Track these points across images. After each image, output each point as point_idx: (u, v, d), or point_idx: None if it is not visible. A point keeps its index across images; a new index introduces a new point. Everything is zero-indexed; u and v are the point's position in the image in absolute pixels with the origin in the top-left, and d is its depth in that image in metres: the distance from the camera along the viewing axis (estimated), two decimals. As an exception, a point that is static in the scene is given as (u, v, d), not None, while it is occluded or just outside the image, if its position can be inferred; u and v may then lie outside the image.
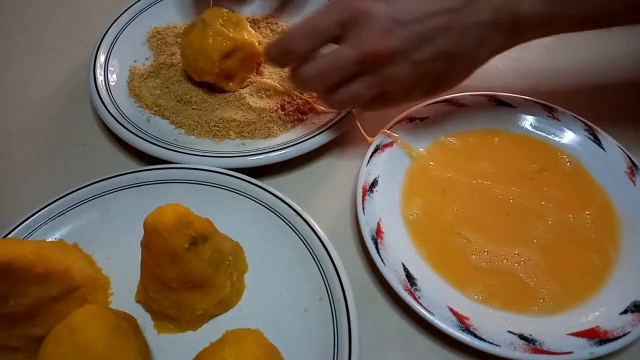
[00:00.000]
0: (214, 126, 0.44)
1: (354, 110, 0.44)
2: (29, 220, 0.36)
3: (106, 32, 0.50)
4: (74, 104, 0.49)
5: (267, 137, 0.44)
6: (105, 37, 0.49)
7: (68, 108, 0.49)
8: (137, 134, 0.42)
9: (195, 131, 0.44)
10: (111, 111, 0.43)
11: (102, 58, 0.48)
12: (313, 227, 0.35)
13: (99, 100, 0.44)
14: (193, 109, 0.46)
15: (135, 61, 0.50)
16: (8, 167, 0.44)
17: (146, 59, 0.51)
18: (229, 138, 0.44)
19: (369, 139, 0.42)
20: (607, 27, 0.38)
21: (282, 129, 0.45)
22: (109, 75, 0.47)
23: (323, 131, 0.43)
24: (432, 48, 0.36)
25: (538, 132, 0.44)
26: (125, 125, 0.42)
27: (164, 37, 0.52)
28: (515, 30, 0.37)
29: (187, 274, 0.31)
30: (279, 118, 0.45)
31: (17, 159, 0.45)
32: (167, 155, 0.40)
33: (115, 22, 0.51)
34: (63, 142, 0.46)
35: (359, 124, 0.43)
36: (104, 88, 0.45)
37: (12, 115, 0.48)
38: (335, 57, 0.37)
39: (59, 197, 0.37)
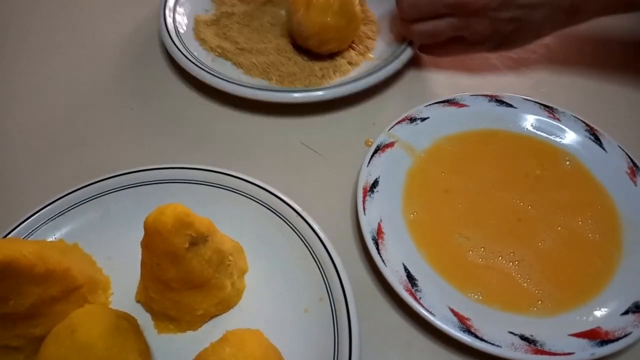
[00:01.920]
0: (266, 68, 0.49)
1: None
2: (29, 220, 0.36)
3: None
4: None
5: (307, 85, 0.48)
6: None
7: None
8: (206, 70, 0.47)
9: (252, 71, 0.49)
10: (182, 51, 0.48)
11: (171, 4, 0.53)
12: (313, 227, 0.35)
13: (171, 43, 0.49)
14: (248, 52, 0.51)
15: (198, 12, 0.55)
16: (8, 167, 0.44)
17: (206, 10, 0.55)
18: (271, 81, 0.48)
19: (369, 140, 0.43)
20: None
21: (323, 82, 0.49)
22: (177, 22, 0.52)
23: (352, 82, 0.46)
24: (510, 12, 0.44)
25: (538, 132, 0.44)
26: (195, 63, 0.47)
27: None
28: (575, 12, 0.44)
29: (187, 274, 0.31)
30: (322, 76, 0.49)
31: (18, 158, 0.45)
32: (229, 88, 0.45)
33: None
34: (64, 142, 0.46)
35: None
36: (174, 32, 0.50)
37: (12, 116, 0.48)
38: None
39: (59, 197, 0.37)
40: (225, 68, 0.49)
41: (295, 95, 0.45)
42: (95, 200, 0.38)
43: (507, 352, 0.31)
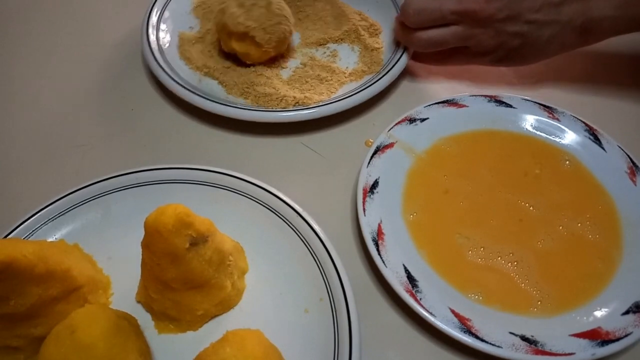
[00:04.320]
0: (246, 89, 0.48)
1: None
2: (29, 221, 0.36)
3: (153, 4, 0.53)
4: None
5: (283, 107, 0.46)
6: (154, 7, 0.53)
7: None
8: (192, 90, 0.45)
9: (233, 90, 0.48)
10: (166, 70, 0.47)
11: (154, 20, 0.52)
12: (314, 227, 0.35)
13: (154, 61, 0.48)
14: (233, 71, 0.50)
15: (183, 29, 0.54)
16: (9, 167, 0.44)
17: (190, 27, 0.54)
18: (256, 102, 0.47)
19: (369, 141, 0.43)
20: None
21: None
22: (161, 39, 0.51)
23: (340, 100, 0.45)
24: (516, 26, 0.43)
25: (538, 132, 0.44)
26: (181, 83, 0.46)
27: (209, 7, 0.56)
28: (586, 32, 0.43)
29: (187, 274, 0.31)
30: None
31: (18, 158, 0.45)
32: (217, 109, 0.44)
33: None
34: (64, 142, 0.46)
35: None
36: (157, 50, 0.49)
37: (13, 115, 0.48)
38: (439, 2, 0.44)
39: (59, 197, 0.37)
40: (212, 87, 0.48)
41: (284, 114, 0.44)
42: (95, 200, 0.38)
43: (507, 353, 0.31)
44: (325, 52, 0.52)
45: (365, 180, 0.39)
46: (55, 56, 0.54)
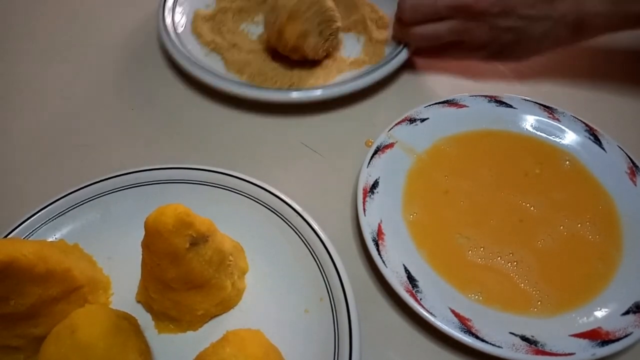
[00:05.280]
0: (243, 66, 0.49)
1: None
2: (29, 220, 0.36)
3: None
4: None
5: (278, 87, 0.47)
6: None
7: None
8: (199, 65, 0.47)
9: (232, 67, 0.49)
10: (179, 46, 0.49)
11: (170, 3, 0.54)
12: (314, 227, 0.35)
13: (168, 38, 0.49)
14: (238, 49, 0.51)
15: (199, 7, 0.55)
16: (9, 167, 0.44)
17: (207, 5, 0.56)
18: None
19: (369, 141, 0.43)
20: None
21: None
22: (176, 18, 0.53)
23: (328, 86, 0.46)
24: (510, 21, 0.44)
25: (538, 132, 0.44)
26: (190, 57, 0.48)
27: None
28: (579, 28, 0.44)
29: (187, 274, 0.31)
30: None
31: (18, 158, 0.45)
32: (217, 84, 0.46)
33: None
34: (64, 141, 0.46)
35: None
36: (173, 30, 0.51)
37: (13, 116, 0.48)
38: None
39: (59, 197, 0.37)
40: (217, 63, 0.50)
41: (285, 95, 0.45)
42: (95, 200, 0.38)
43: (507, 353, 0.31)
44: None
45: (365, 180, 0.39)
46: (56, 56, 0.54)
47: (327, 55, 0.50)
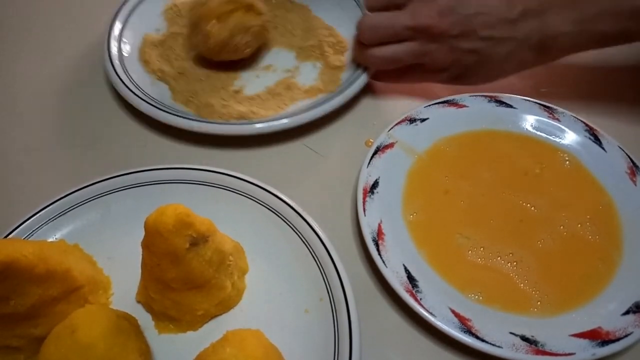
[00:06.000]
0: (190, 98, 0.47)
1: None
2: (29, 221, 0.36)
3: (123, 5, 0.53)
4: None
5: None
6: (122, 9, 0.53)
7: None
8: (139, 95, 0.45)
9: (178, 97, 0.47)
10: (120, 75, 0.47)
11: (117, 29, 0.51)
12: (313, 227, 0.35)
13: (111, 66, 0.47)
14: (185, 77, 0.49)
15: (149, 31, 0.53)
16: (8, 167, 0.44)
17: (157, 29, 0.53)
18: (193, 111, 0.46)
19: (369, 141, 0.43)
20: (629, 42, 0.42)
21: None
22: (122, 45, 0.50)
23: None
24: (471, 43, 0.42)
25: (538, 132, 0.44)
26: (129, 87, 0.45)
27: (180, 10, 0.55)
28: (544, 49, 0.42)
29: (187, 274, 0.31)
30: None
31: (18, 158, 0.45)
32: (159, 116, 0.43)
33: None
34: (64, 141, 0.46)
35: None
36: (117, 57, 0.49)
37: (13, 116, 0.48)
38: (393, 18, 0.43)
39: (59, 197, 0.37)
40: (163, 92, 0.47)
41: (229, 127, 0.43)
42: (95, 200, 0.38)
43: (508, 353, 0.31)
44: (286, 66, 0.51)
45: (365, 180, 0.39)
46: (55, 55, 0.54)
47: (281, 83, 0.48)
